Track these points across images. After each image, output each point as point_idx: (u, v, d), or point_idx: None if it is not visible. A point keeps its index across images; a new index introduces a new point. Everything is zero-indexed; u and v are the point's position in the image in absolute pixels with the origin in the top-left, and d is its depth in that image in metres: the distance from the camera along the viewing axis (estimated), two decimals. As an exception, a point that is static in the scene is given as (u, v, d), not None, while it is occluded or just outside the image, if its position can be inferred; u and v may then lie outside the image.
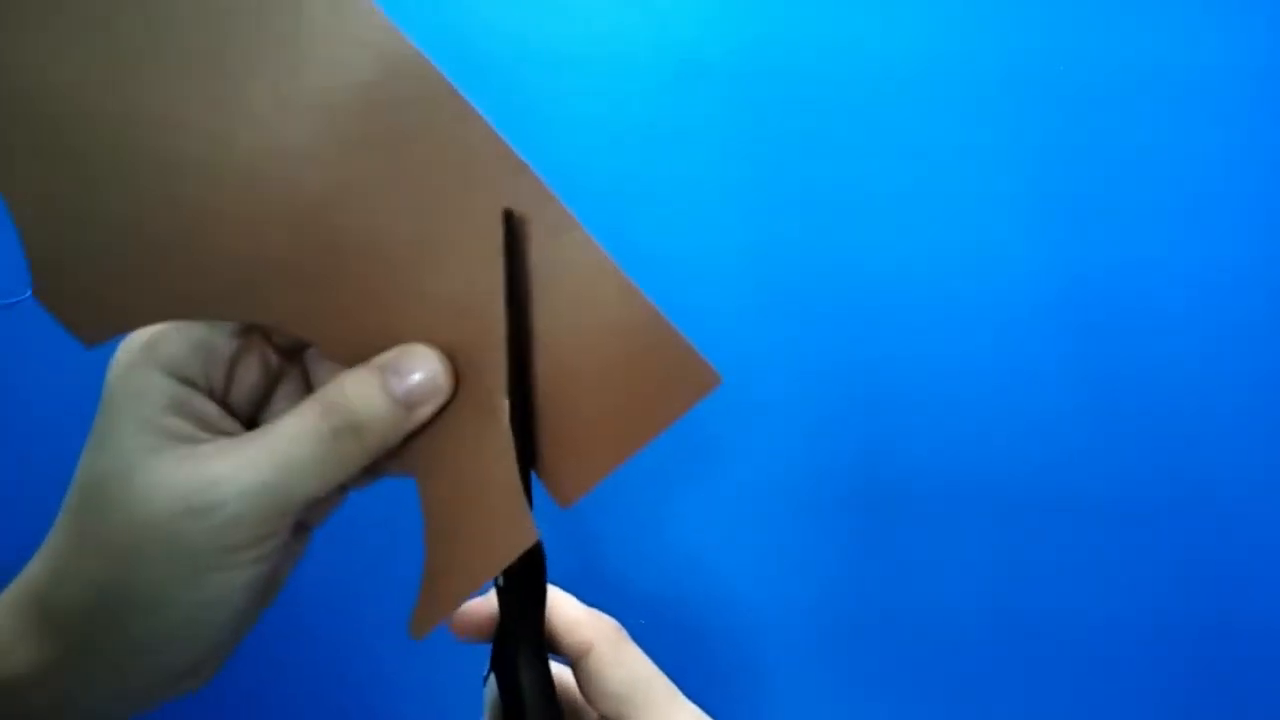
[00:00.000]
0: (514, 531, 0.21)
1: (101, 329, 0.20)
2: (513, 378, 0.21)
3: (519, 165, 0.23)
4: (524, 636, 0.23)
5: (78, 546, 0.19)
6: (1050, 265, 0.50)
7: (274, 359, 0.22)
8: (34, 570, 0.20)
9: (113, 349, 0.21)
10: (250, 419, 0.22)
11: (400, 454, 0.22)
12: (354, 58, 0.21)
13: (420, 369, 0.20)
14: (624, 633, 0.24)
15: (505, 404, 0.21)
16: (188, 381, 0.20)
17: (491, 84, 0.51)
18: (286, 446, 0.19)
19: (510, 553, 0.21)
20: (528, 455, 0.22)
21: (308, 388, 0.23)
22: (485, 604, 0.25)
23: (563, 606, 0.25)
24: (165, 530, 0.18)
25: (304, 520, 0.23)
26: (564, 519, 0.25)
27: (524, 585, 0.23)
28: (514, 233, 0.22)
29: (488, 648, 0.25)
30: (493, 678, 0.24)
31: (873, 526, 0.47)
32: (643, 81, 0.52)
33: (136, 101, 0.19)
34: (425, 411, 0.21)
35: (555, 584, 0.25)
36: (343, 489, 0.24)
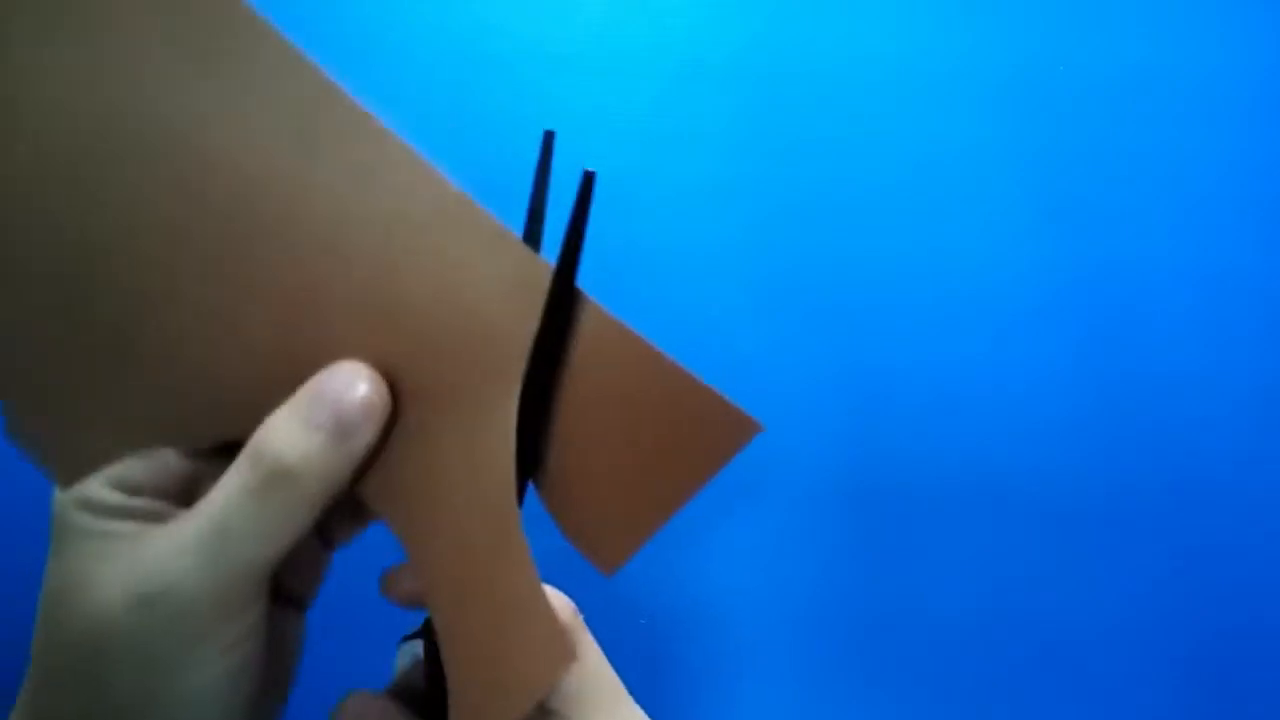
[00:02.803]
0: (551, 650, 0.19)
1: (78, 467, 0.19)
2: (522, 471, 0.20)
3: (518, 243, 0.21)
4: None
5: (49, 667, 0.18)
6: (1050, 266, 0.50)
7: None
8: (22, 699, 0.19)
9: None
10: None
11: (395, 521, 0.20)
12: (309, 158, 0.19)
13: (344, 389, 0.18)
14: (580, 618, 0.23)
15: (518, 514, 0.19)
16: (136, 490, 0.19)
17: (492, 84, 0.51)
18: (222, 511, 0.17)
19: (552, 676, 0.20)
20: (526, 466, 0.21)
21: None
22: None
23: None
24: (124, 628, 0.17)
25: (289, 593, 0.21)
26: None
27: None
28: (561, 300, 0.20)
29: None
30: (416, 644, 0.22)
31: (873, 526, 0.47)
32: (643, 82, 0.52)
33: (86, 235, 0.18)
34: (362, 438, 0.18)
35: (555, 584, 0.23)
36: (326, 546, 0.22)
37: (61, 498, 0.18)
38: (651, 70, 0.52)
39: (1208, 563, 0.47)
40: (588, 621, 0.24)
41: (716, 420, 0.22)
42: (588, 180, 0.21)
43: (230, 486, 0.18)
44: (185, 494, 0.19)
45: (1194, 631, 0.46)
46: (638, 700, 0.46)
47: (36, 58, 0.18)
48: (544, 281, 0.20)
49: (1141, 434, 0.49)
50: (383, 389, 0.19)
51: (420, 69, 0.51)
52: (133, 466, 0.19)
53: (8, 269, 0.18)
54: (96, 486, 0.18)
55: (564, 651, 0.20)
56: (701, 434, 0.22)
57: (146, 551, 0.17)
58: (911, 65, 0.53)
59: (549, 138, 0.21)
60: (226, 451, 0.19)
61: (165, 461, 0.19)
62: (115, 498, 0.18)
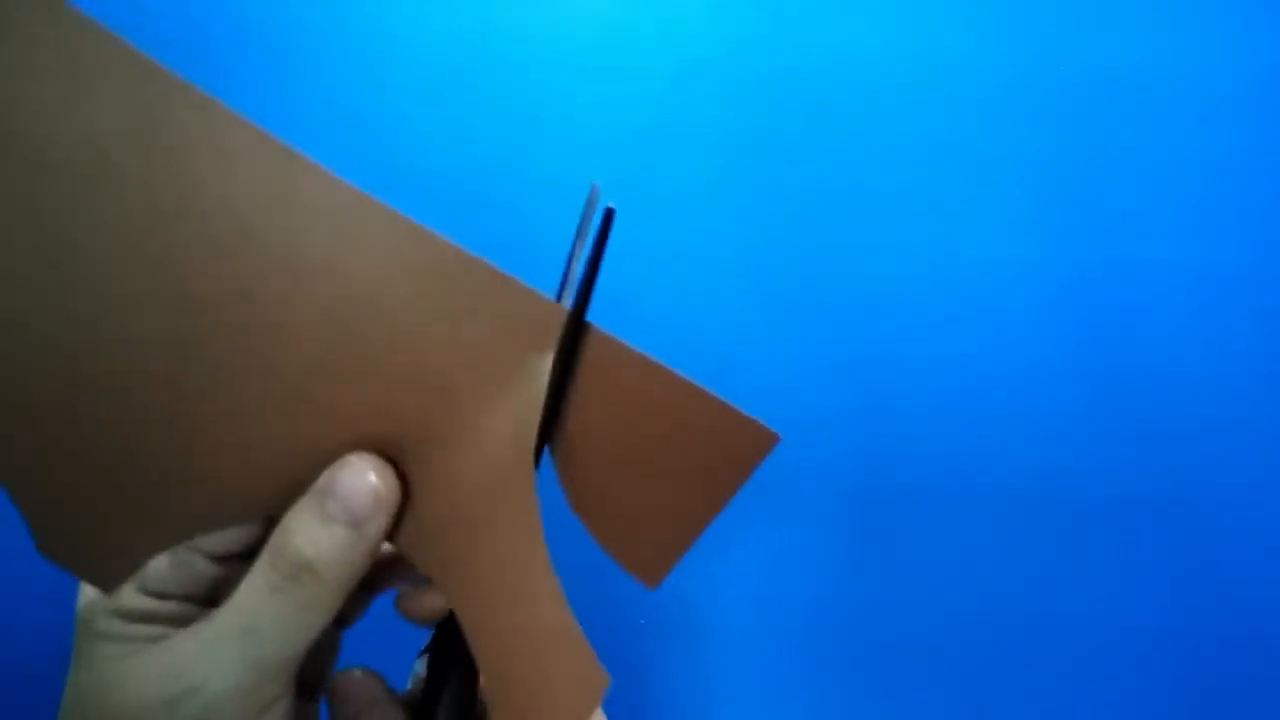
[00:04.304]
0: (589, 680, 0.20)
1: (115, 572, 0.19)
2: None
3: (503, 277, 0.21)
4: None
5: None
6: (1050, 266, 0.50)
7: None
8: None
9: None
10: None
11: (433, 573, 0.20)
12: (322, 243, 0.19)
13: (354, 483, 0.19)
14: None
15: (545, 549, 0.20)
16: (164, 595, 0.19)
17: (492, 85, 0.51)
18: (248, 610, 0.18)
19: (592, 702, 0.20)
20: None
21: None
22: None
23: None
24: (157, 710, 0.17)
25: (306, 681, 0.21)
26: (565, 519, 0.24)
27: None
28: (570, 346, 0.21)
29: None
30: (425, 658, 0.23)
31: (873, 526, 0.47)
32: (643, 82, 0.52)
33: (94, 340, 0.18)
34: (376, 525, 0.19)
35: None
36: (338, 625, 0.23)
37: (89, 605, 0.19)
38: (651, 71, 0.52)
39: (1215, 564, 0.47)
40: (586, 622, 0.24)
41: (736, 434, 0.22)
42: (608, 217, 0.22)
43: (255, 585, 0.18)
44: (210, 597, 0.20)
45: (1202, 633, 0.46)
46: (637, 700, 0.46)
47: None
48: (553, 319, 0.21)
49: (1145, 432, 0.49)
50: (390, 477, 0.19)
51: (419, 70, 0.51)
52: (160, 571, 0.19)
53: (20, 400, 0.18)
54: (128, 592, 0.19)
55: (601, 679, 0.20)
56: (724, 448, 0.22)
57: (177, 652, 0.18)
58: (911, 65, 0.53)
59: (609, 215, 0.22)
60: (248, 554, 0.20)
61: (191, 565, 0.20)
62: (145, 603, 0.19)
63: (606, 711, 0.44)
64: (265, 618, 0.18)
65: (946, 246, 0.50)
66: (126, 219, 0.18)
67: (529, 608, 0.20)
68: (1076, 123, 0.52)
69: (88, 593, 0.19)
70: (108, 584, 0.19)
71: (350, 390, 0.19)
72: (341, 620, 0.23)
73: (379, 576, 0.24)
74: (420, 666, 0.24)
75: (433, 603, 0.23)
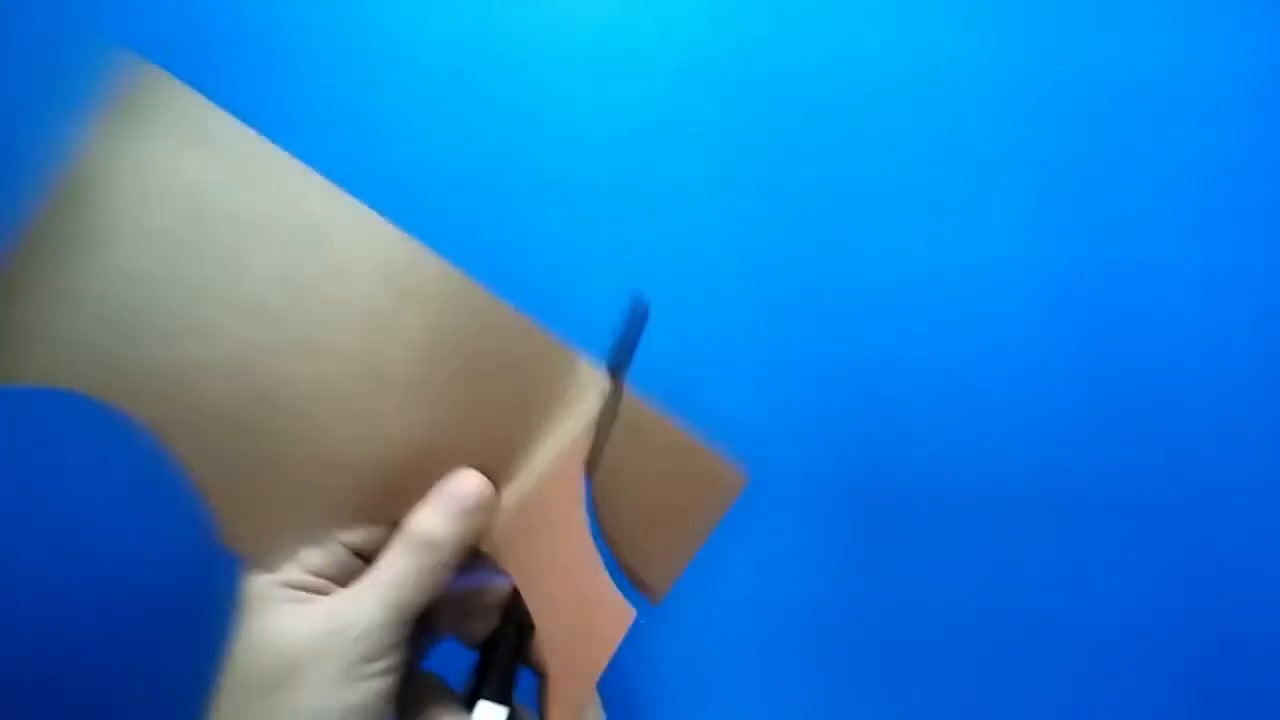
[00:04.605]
0: (608, 612, 0.27)
1: (278, 558, 0.26)
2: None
3: (559, 346, 0.30)
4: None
5: (244, 695, 0.24)
6: (1050, 265, 0.50)
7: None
8: None
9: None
10: None
11: (503, 559, 0.27)
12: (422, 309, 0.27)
13: (465, 488, 0.27)
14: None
15: (585, 514, 0.28)
16: (315, 573, 0.27)
17: (492, 85, 0.51)
18: (387, 569, 0.26)
19: (615, 634, 0.27)
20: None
21: None
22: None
23: None
24: (318, 649, 0.24)
25: (409, 655, 0.28)
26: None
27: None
28: (614, 397, 0.29)
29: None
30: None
31: (872, 526, 0.47)
32: (643, 83, 0.52)
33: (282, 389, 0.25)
34: (479, 517, 0.27)
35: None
36: (426, 632, 0.30)
37: (259, 581, 0.26)
38: (652, 71, 0.52)
39: (1216, 564, 0.47)
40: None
41: (718, 477, 0.31)
42: (644, 311, 0.30)
43: (393, 554, 0.26)
44: (344, 579, 0.27)
45: (1202, 633, 0.46)
46: (637, 700, 0.47)
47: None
48: (599, 381, 0.29)
49: (1150, 436, 0.49)
50: (488, 486, 0.27)
51: (419, 69, 0.51)
52: (314, 557, 0.27)
53: (220, 426, 0.25)
54: (289, 569, 0.26)
55: (627, 613, 0.28)
56: (711, 489, 0.30)
57: (333, 602, 0.26)
58: (912, 65, 0.53)
59: (644, 311, 0.30)
60: (371, 554, 0.27)
61: (335, 554, 0.27)
62: (301, 577, 0.26)
63: (607, 712, 0.44)
64: (401, 574, 0.26)
65: (946, 246, 0.50)
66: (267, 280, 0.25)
67: (577, 577, 0.27)
68: (1076, 123, 0.52)
69: (254, 574, 0.26)
70: (271, 566, 0.26)
71: (452, 430, 0.27)
72: (433, 631, 0.30)
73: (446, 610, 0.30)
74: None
75: (487, 619, 0.31)
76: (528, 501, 0.27)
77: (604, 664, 0.27)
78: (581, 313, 0.51)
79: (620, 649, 0.30)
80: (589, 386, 0.29)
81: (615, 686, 0.45)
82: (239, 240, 0.24)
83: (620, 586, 0.29)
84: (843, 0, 0.53)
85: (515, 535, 0.27)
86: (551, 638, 0.27)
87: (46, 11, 0.49)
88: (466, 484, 0.27)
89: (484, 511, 0.27)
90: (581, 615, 0.27)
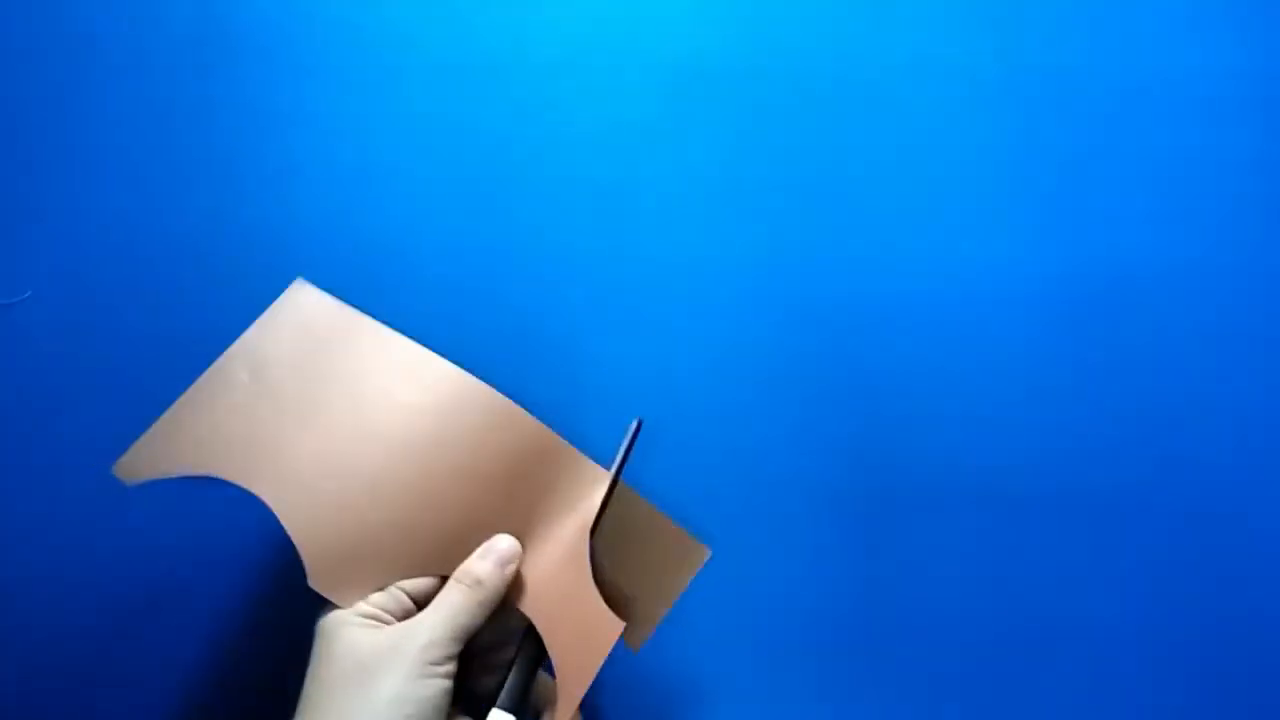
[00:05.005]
0: (603, 627, 0.34)
1: (353, 597, 0.35)
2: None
3: (566, 447, 0.40)
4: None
5: (325, 695, 0.32)
6: (1048, 263, 0.50)
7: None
8: None
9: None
10: None
11: (523, 603, 0.36)
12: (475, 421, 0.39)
13: (504, 546, 0.36)
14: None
15: (589, 564, 0.36)
16: (382, 608, 0.35)
17: (491, 85, 0.51)
18: (448, 600, 0.34)
19: (607, 641, 0.34)
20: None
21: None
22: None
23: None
24: (393, 653, 0.32)
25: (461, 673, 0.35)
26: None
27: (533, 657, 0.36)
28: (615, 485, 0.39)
29: None
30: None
31: (872, 526, 0.47)
32: (643, 84, 0.52)
33: (354, 465, 0.37)
34: (512, 567, 0.36)
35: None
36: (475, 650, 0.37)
37: (334, 615, 0.34)
38: (652, 73, 0.52)
39: (1216, 565, 0.47)
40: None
41: (688, 550, 0.40)
42: (638, 427, 0.39)
43: (451, 591, 0.35)
44: (401, 614, 0.35)
45: (1199, 633, 0.46)
46: (637, 700, 0.47)
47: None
48: (599, 474, 0.39)
49: (1143, 430, 0.49)
50: (518, 546, 0.37)
51: (419, 69, 0.51)
52: (379, 597, 0.35)
53: (347, 502, 0.36)
54: (361, 605, 0.35)
55: (616, 625, 0.34)
56: (681, 559, 0.40)
57: (399, 625, 0.34)
58: (912, 65, 0.53)
59: (638, 426, 0.39)
60: (426, 601, 0.36)
61: (397, 597, 0.35)
62: (370, 610, 0.34)
63: (612, 713, 0.45)
64: (457, 604, 0.34)
65: (946, 246, 0.50)
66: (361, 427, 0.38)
67: (580, 609, 0.35)
68: (1075, 122, 0.53)
69: (330, 610, 0.34)
70: (347, 603, 0.34)
71: (487, 515, 0.37)
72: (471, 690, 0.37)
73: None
74: None
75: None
76: (547, 561, 0.37)
77: (597, 665, 0.34)
78: (581, 312, 0.51)
79: (619, 652, 0.35)
80: (594, 483, 0.39)
81: (614, 686, 0.45)
82: (354, 392, 0.38)
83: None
84: (843, 3, 0.53)
85: (537, 588, 0.37)
86: (559, 648, 0.35)
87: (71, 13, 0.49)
88: (505, 542, 0.37)
89: (515, 563, 0.36)
90: (582, 635, 0.35)
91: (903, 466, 0.47)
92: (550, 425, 0.39)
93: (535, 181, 0.50)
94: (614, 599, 0.35)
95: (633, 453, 0.38)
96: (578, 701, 0.33)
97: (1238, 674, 0.45)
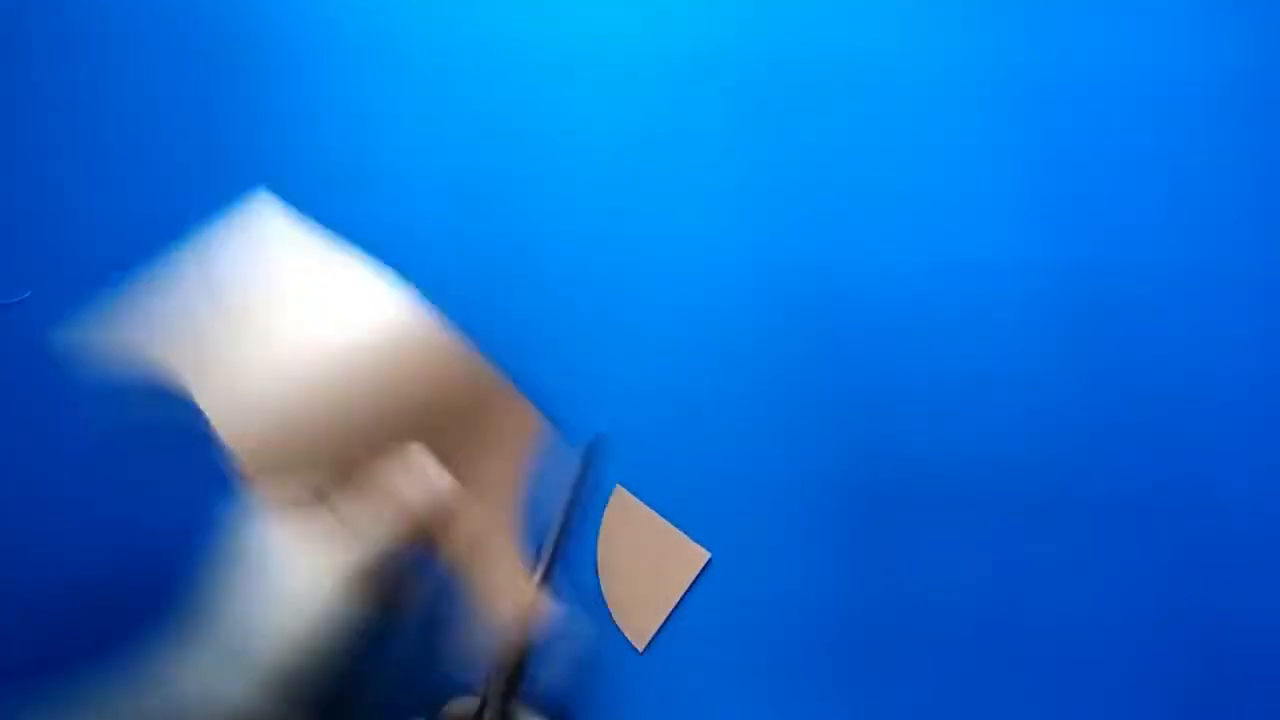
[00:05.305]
0: (520, 589, 0.37)
1: (276, 492, 0.35)
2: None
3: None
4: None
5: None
6: (1048, 263, 0.50)
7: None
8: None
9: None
10: None
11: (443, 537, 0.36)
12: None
13: (425, 462, 0.36)
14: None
15: (514, 548, 0.37)
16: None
17: (492, 86, 0.51)
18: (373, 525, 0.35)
19: (521, 599, 0.37)
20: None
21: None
22: None
23: None
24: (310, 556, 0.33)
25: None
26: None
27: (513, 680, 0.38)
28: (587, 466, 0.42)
29: None
30: None
31: (872, 526, 0.47)
32: (643, 84, 0.52)
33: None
34: (442, 513, 0.36)
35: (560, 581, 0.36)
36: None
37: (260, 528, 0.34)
38: (651, 72, 0.52)
39: (1213, 564, 0.47)
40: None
41: (686, 554, 0.41)
42: (593, 449, 0.41)
43: (377, 518, 0.35)
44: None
45: (1198, 633, 0.46)
46: (636, 703, 0.47)
47: None
48: (540, 426, 0.39)
49: (1143, 430, 0.49)
50: (452, 489, 0.36)
51: (416, 70, 0.51)
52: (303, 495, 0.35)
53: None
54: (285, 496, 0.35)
55: (529, 590, 0.38)
56: (680, 562, 0.41)
57: (331, 531, 0.34)
58: (912, 65, 0.53)
59: (591, 449, 0.41)
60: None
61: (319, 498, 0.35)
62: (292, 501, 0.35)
63: (609, 710, 0.45)
64: (378, 536, 0.34)
65: (947, 246, 0.50)
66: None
67: (504, 565, 0.37)
68: (1075, 123, 0.53)
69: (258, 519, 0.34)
70: (273, 495, 0.34)
71: (417, 434, 0.36)
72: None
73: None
74: None
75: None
76: (479, 519, 0.37)
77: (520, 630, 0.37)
78: (580, 313, 0.51)
79: (624, 652, 0.39)
80: (531, 432, 0.39)
81: (614, 686, 0.45)
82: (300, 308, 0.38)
83: (613, 634, 0.41)
84: (843, 3, 0.53)
85: (471, 541, 0.37)
86: (484, 592, 0.36)
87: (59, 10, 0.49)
88: (423, 458, 0.37)
89: (429, 477, 0.36)
90: (505, 582, 0.37)
91: (901, 467, 0.47)
92: (551, 425, 0.38)
93: (535, 181, 0.50)
94: (618, 607, 0.40)
95: (586, 484, 0.40)
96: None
97: (1237, 674, 0.45)
